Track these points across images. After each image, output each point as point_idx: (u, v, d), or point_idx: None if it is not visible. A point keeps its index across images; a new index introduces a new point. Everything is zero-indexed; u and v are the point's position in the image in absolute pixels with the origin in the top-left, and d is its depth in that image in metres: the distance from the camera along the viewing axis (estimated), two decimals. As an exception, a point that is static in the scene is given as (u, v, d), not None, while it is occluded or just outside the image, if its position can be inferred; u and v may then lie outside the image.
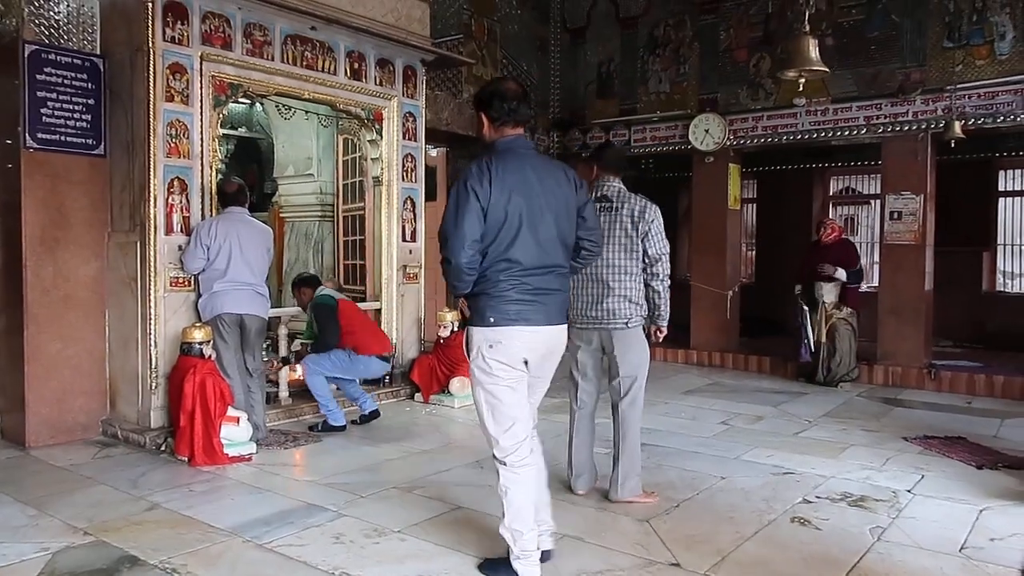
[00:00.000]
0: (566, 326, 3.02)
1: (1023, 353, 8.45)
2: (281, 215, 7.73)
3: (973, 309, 9.62)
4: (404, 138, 6.55)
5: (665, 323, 3.95)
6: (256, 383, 5.02)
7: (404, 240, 6.60)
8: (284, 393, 5.81)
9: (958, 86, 7.11)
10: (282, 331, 5.85)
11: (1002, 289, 10.23)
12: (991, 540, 3.43)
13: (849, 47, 7.62)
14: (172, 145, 4.97)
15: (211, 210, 5.14)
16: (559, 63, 9.89)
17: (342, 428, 5.33)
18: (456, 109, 8.16)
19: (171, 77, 4.94)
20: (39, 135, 4.86)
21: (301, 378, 5.48)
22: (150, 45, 4.85)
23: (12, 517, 3.64)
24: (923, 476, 4.38)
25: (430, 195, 6.89)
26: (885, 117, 7.54)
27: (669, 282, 3.89)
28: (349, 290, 6.91)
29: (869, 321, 7.77)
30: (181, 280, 5.01)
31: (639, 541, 3.37)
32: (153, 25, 4.85)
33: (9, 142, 4.92)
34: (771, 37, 8.25)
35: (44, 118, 4.87)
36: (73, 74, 4.99)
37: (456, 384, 6.21)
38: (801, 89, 5.72)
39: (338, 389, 5.65)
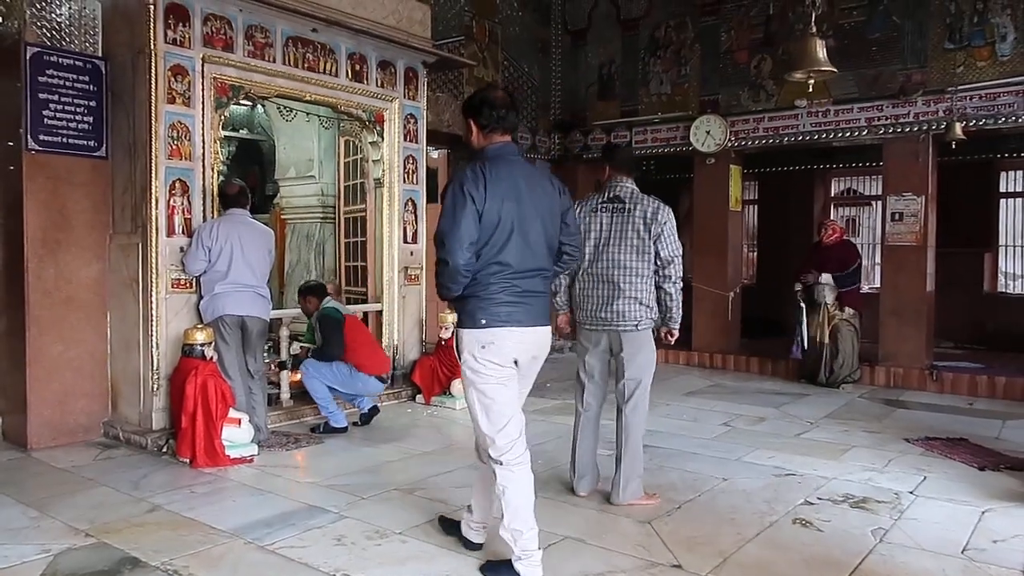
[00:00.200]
0: (550, 328, 3.07)
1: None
2: (282, 217, 7.74)
3: (974, 310, 9.62)
4: (405, 140, 6.55)
5: (677, 325, 3.92)
6: (257, 385, 5.03)
7: (405, 242, 6.60)
8: (286, 395, 5.81)
9: (959, 87, 7.11)
10: (283, 333, 5.85)
11: (1003, 290, 10.22)
12: (993, 542, 3.42)
13: (850, 48, 7.62)
14: (174, 147, 4.97)
15: (212, 212, 5.14)
16: (560, 65, 9.90)
17: (343, 429, 5.34)
18: (457, 111, 8.15)
19: (172, 79, 4.95)
20: (41, 137, 4.87)
21: (301, 380, 5.48)
22: (152, 47, 4.86)
23: (14, 518, 3.64)
24: (925, 477, 4.38)
25: (431, 197, 6.88)
26: (886, 118, 7.54)
27: (681, 284, 3.88)
28: (350, 292, 6.92)
29: (870, 322, 7.77)
30: (182, 282, 5.02)
31: (641, 543, 3.36)
32: (155, 27, 4.86)
33: (11, 144, 4.93)
34: (772, 39, 8.25)
35: (46, 120, 4.88)
36: (75, 76, 5.00)
37: (457, 386, 6.21)
38: (810, 90, 5.72)
39: (332, 390, 5.64)
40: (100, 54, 5.17)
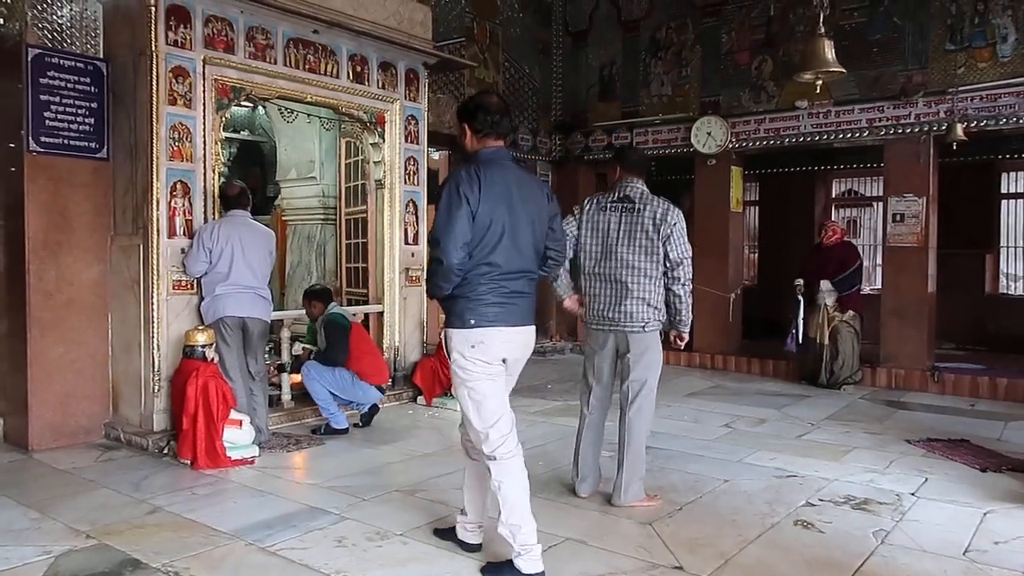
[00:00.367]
0: (534, 328, 3.14)
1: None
2: (283, 218, 7.74)
3: (976, 311, 9.61)
4: (406, 141, 6.55)
5: (686, 329, 3.91)
6: (258, 386, 5.03)
7: (406, 243, 6.61)
8: (287, 396, 5.81)
9: (960, 88, 7.11)
10: (284, 334, 5.85)
11: (1005, 291, 10.21)
12: (995, 543, 3.42)
13: (851, 50, 7.61)
14: (175, 148, 4.98)
15: (214, 213, 5.15)
16: (561, 66, 9.90)
17: (344, 431, 5.34)
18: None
19: (174, 80, 4.95)
20: (42, 139, 4.87)
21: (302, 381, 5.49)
22: (153, 49, 4.86)
23: (15, 520, 3.64)
24: (927, 479, 4.38)
25: (432, 198, 6.89)
26: (887, 119, 7.54)
27: (691, 287, 3.86)
28: (351, 293, 6.92)
29: (872, 323, 7.77)
30: (184, 283, 5.02)
31: (642, 544, 3.36)
32: (156, 29, 4.86)
33: (12, 146, 4.93)
34: (773, 40, 8.26)
35: (47, 122, 4.89)
36: (76, 78, 5.00)
37: (458, 387, 6.20)
38: (818, 91, 5.71)
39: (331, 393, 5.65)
40: (101, 56, 5.18)
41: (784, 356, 8.09)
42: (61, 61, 4.94)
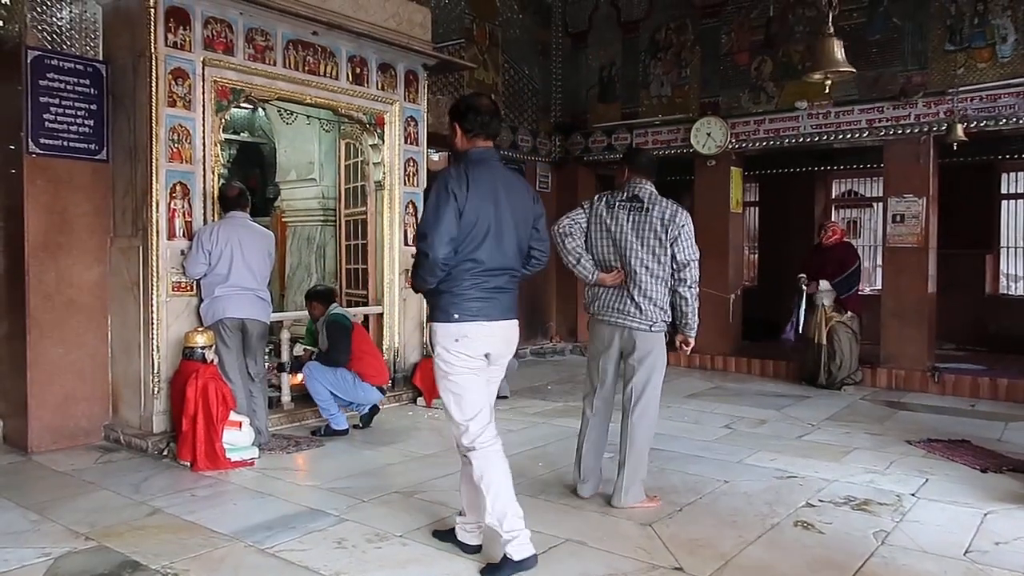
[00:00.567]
0: (517, 321, 3.21)
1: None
2: (283, 219, 7.74)
3: (976, 312, 9.61)
4: (406, 142, 6.56)
5: (693, 333, 3.91)
6: (258, 387, 5.02)
7: (406, 244, 6.59)
8: (286, 397, 5.81)
9: (960, 89, 7.11)
10: (284, 335, 5.85)
11: (1005, 292, 10.21)
12: (996, 544, 3.41)
13: (850, 50, 7.57)
14: (174, 150, 4.98)
15: (213, 215, 5.15)
16: (561, 67, 9.91)
17: (344, 432, 5.34)
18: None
19: (173, 82, 4.95)
20: (42, 140, 4.87)
21: (303, 382, 5.48)
22: (152, 50, 4.86)
23: (14, 522, 3.64)
24: (927, 480, 4.37)
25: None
26: (887, 120, 7.54)
27: (698, 290, 3.86)
28: (351, 294, 6.91)
29: (872, 324, 7.76)
30: (183, 285, 5.01)
31: (642, 545, 3.36)
32: (155, 30, 4.86)
33: (12, 147, 4.93)
34: (772, 41, 8.26)
35: (47, 123, 4.89)
36: (76, 79, 5.01)
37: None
38: (827, 91, 5.70)
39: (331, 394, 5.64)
40: (101, 57, 5.18)
41: (784, 357, 8.10)
42: (60, 63, 4.94)
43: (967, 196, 9.40)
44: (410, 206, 6.64)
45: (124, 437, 5.04)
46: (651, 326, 3.78)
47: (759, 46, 8.35)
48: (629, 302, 3.77)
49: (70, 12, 5.07)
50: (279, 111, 6.96)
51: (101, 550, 3.30)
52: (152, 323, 4.93)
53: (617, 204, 3.83)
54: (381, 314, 6.54)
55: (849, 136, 7.78)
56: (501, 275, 3.07)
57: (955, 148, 7.14)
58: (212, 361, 4.72)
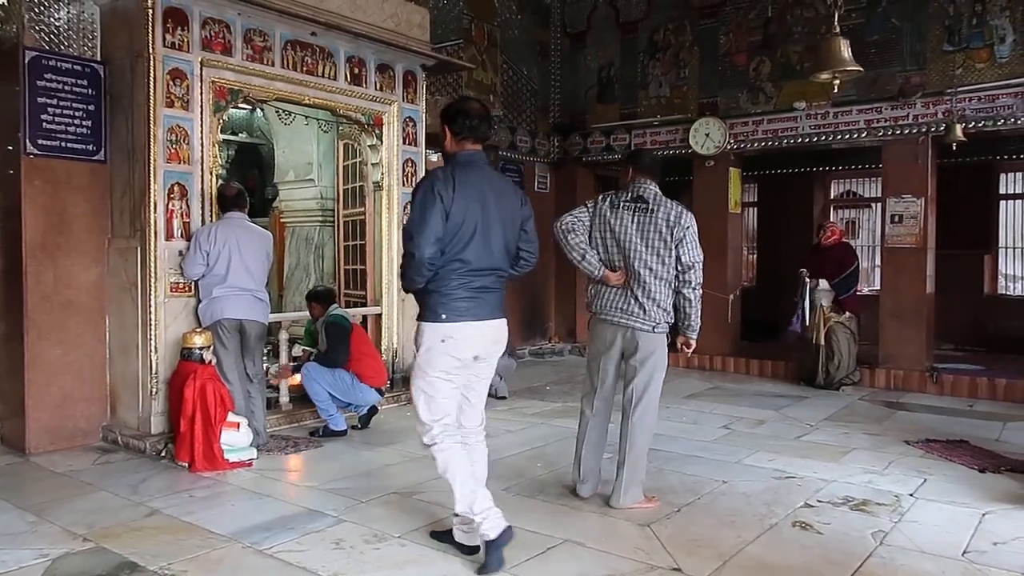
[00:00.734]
0: (505, 320, 3.26)
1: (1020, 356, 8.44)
2: (282, 220, 7.74)
3: (975, 312, 9.61)
4: (404, 143, 6.55)
5: (695, 335, 3.90)
6: (256, 388, 5.02)
7: (405, 245, 6.58)
8: (285, 398, 5.81)
9: (958, 89, 7.11)
10: (282, 336, 5.85)
11: (1003, 292, 10.22)
12: (994, 544, 3.41)
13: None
14: (172, 151, 4.97)
15: (211, 215, 5.14)
16: (559, 68, 9.91)
17: (343, 433, 5.33)
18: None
19: (171, 83, 4.95)
20: (39, 141, 4.87)
21: (301, 383, 5.48)
22: (150, 51, 4.85)
23: (12, 523, 3.63)
24: (925, 480, 4.37)
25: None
26: (885, 120, 7.54)
27: (701, 292, 3.85)
28: (349, 295, 6.91)
29: (871, 324, 7.76)
30: (181, 286, 5.01)
31: (640, 546, 3.35)
32: (153, 31, 4.85)
33: (10, 148, 4.92)
34: (771, 41, 8.26)
35: (44, 124, 4.88)
36: (73, 80, 5.00)
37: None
38: (836, 91, 5.69)
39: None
40: (99, 58, 5.17)
41: (783, 357, 8.11)
42: (58, 63, 4.94)
43: (965, 196, 9.40)
44: (408, 207, 6.62)
45: (122, 438, 5.03)
46: (654, 327, 3.78)
47: (757, 47, 8.36)
48: (633, 302, 3.76)
49: (68, 12, 5.07)
50: (277, 112, 6.96)
51: (99, 551, 3.29)
52: (150, 324, 4.92)
53: (621, 205, 3.82)
54: (380, 315, 6.54)
55: (847, 136, 7.78)
56: (488, 275, 3.12)
57: (954, 148, 7.15)
58: (210, 362, 4.71)
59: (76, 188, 5.07)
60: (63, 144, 4.97)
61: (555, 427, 5.67)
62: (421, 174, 6.72)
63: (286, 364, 5.81)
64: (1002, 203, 10.18)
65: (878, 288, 8.69)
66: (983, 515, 3.78)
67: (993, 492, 4.14)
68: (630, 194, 3.83)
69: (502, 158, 9.09)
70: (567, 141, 9.88)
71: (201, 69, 5.09)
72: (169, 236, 4.96)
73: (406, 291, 3.23)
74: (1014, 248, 10.17)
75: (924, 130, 7.33)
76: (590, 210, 3.89)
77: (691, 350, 3.97)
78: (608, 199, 3.88)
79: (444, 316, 3.05)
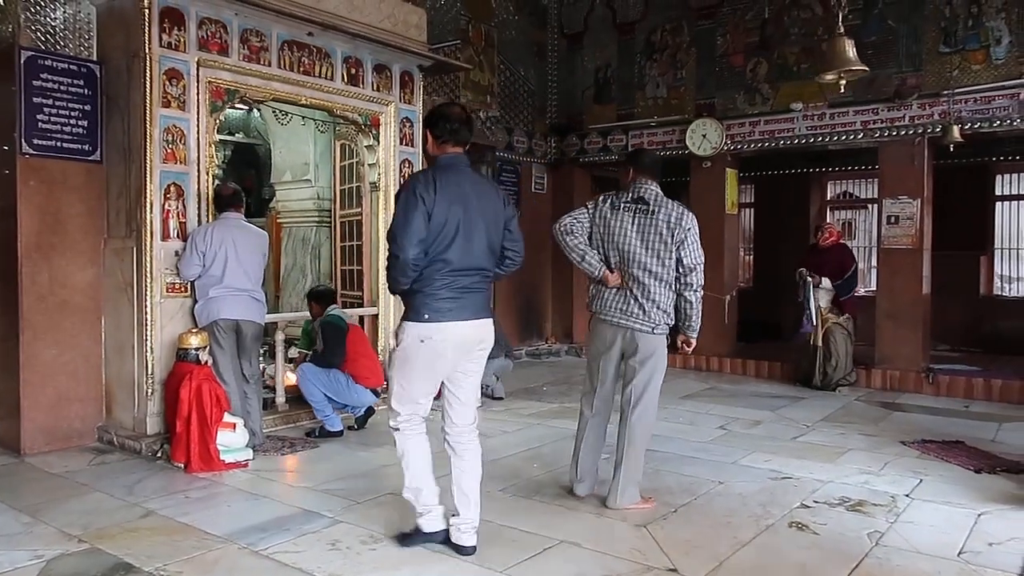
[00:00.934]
0: (491, 320, 3.33)
1: (1021, 357, 8.45)
2: (278, 221, 7.73)
3: (971, 313, 9.63)
4: (401, 144, 6.54)
5: (695, 334, 3.90)
6: (253, 389, 5.01)
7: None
8: (281, 399, 5.79)
9: (955, 91, 7.12)
10: (279, 336, 5.84)
11: (999, 293, 10.24)
12: (989, 544, 3.42)
13: (845, 52, 7.63)
14: (169, 151, 4.96)
15: (207, 216, 5.13)
16: (557, 68, 9.91)
17: (339, 433, 5.33)
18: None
19: (168, 83, 4.94)
20: (35, 141, 4.86)
21: (296, 383, 5.47)
22: (147, 51, 4.84)
23: (6, 524, 3.62)
24: (921, 480, 4.38)
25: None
26: (882, 122, 7.56)
27: (702, 293, 3.84)
28: (346, 295, 6.90)
29: (867, 325, 7.78)
30: (177, 286, 5.00)
31: (636, 547, 3.35)
32: (150, 31, 4.84)
33: (5, 148, 4.91)
34: (768, 42, 8.27)
35: (40, 124, 4.87)
36: (69, 80, 4.99)
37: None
38: (842, 91, 5.69)
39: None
40: (95, 58, 5.16)
41: (779, 358, 8.12)
42: (54, 63, 4.93)
43: (961, 198, 9.42)
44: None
45: (118, 439, 5.02)
46: (653, 328, 3.78)
47: (754, 48, 8.36)
48: (633, 303, 3.76)
49: (64, 12, 5.05)
50: (274, 112, 6.95)
51: (94, 552, 3.28)
52: (146, 324, 4.91)
53: (622, 206, 3.82)
54: (376, 315, 6.53)
55: (844, 138, 7.79)
56: (472, 275, 3.19)
57: (951, 149, 7.17)
58: (206, 362, 4.71)
59: (72, 188, 5.06)
60: (59, 144, 4.96)
61: (552, 428, 5.67)
62: (418, 175, 6.73)
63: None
64: (998, 204, 10.20)
65: (874, 289, 8.70)
66: (979, 516, 3.79)
67: (989, 493, 4.15)
68: (631, 195, 3.83)
69: (499, 159, 9.09)
70: (564, 142, 9.88)
71: (197, 69, 5.08)
72: (165, 236, 4.95)
73: (392, 292, 3.29)
74: (1010, 249, 10.20)
75: (920, 131, 7.35)
76: (590, 211, 3.89)
77: (691, 349, 3.97)
78: (609, 200, 3.87)
79: (426, 316, 3.12)
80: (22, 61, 4.77)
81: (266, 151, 7.94)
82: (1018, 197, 10.13)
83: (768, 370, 8.20)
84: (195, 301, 4.96)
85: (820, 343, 7.32)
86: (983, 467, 4.62)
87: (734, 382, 7.93)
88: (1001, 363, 8.12)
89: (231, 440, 4.60)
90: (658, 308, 3.75)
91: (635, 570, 3.11)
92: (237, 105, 5.74)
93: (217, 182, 5.50)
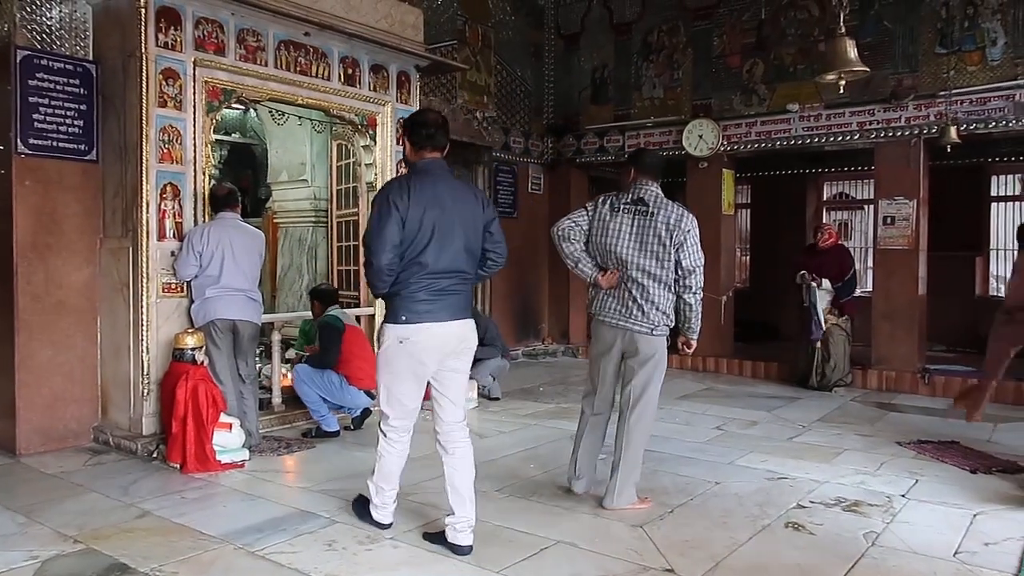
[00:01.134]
0: (472, 320, 3.38)
1: (1016, 357, 8.45)
2: (275, 221, 7.72)
3: (966, 314, 9.62)
4: (398, 144, 6.52)
5: (695, 336, 3.90)
6: (249, 389, 5.00)
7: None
8: (277, 399, 5.78)
9: (951, 92, 7.14)
10: (275, 337, 5.83)
11: (995, 294, 10.25)
12: (985, 545, 3.43)
13: (842, 53, 7.64)
14: (165, 151, 4.95)
15: (204, 216, 5.12)
16: (553, 69, 9.91)
17: (336, 434, 5.32)
18: (450, 115, 8.15)
19: (164, 82, 4.93)
20: (31, 141, 4.84)
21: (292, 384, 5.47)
22: (143, 50, 4.83)
23: (1, 525, 3.61)
24: (917, 481, 4.39)
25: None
26: (878, 123, 7.57)
27: (702, 295, 3.84)
28: (342, 296, 6.88)
29: (863, 326, 7.79)
30: (173, 286, 4.99)
31: (633, 547, 3.36)
32: (146, 30, 4.83)
33: (1, 148, 4.89)
34: (764, 43, 8.28)
35: (36, 123, 4.86)
36: (65, 79, 4.98)
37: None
38: (841, 91, 5.70)
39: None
40: (91, 57, 5.15)
41: (776, 359, 8.12)
42: (50, 63, 4.91)
43: (957, 199, 9.44)
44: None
45: (113, 439, 5.01)
46: (653, 329, 3.77)
47: (751, 49, 8.37)
48: (632, 305, 3.76)
49: (60, 12, 5.04)
50: (271, 112, 6.94)
51: (89, 553, 3.27)
52: (142, 324, 4.90)
53: (622, 207, 3.81)
54: (372, 315, 6.52)
55: (840, 138, 7.81)
56: (450, 277, 3.24)
57: (948, 150, 7.17)
58: (202, 363, 4.70)
59: (68, 188, 5.05)
60: (55, 144, 4.95)
61: (549, 428, 5.67)
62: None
63: None
64: (993, 205, 10.22)
65: (870, 290, 8.72)
66: (974, 516, 3.80)
67: (984, 493, 4.16)
68: (631, 196, 3.82)
69: (496, 159, 9.10)
70: (561, 142, 9.88)
71: (194, 69, 5.07)
72: (161, 236, 4.94)
73: (375, 296, 3.34)
74: (1005, 250, 10.20)
75: (916, 132, 7.37)
76: (589, 213, 3.89)
77: (691, 350, 3.97)
78: (608, 201, 3.86)
79: (404, 318, 3.19)
80: (18, 60, 4.76)
81: (262, 151, 7.93)
82: (1013, 198, 10.16)
83: (764, 371, 8.21)
84: (191, 301, 4.95)
85: (819, 344, 7.32)
86: (979, 467, 4.64)
87: (731, 382, 7.94)
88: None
89: (227, 440, 4.59)
90: (657, 310, 3.75)
91: (631, 570, 3.11)
92: (234, 105, 5.72)
93: (213, 182, 5.49)
